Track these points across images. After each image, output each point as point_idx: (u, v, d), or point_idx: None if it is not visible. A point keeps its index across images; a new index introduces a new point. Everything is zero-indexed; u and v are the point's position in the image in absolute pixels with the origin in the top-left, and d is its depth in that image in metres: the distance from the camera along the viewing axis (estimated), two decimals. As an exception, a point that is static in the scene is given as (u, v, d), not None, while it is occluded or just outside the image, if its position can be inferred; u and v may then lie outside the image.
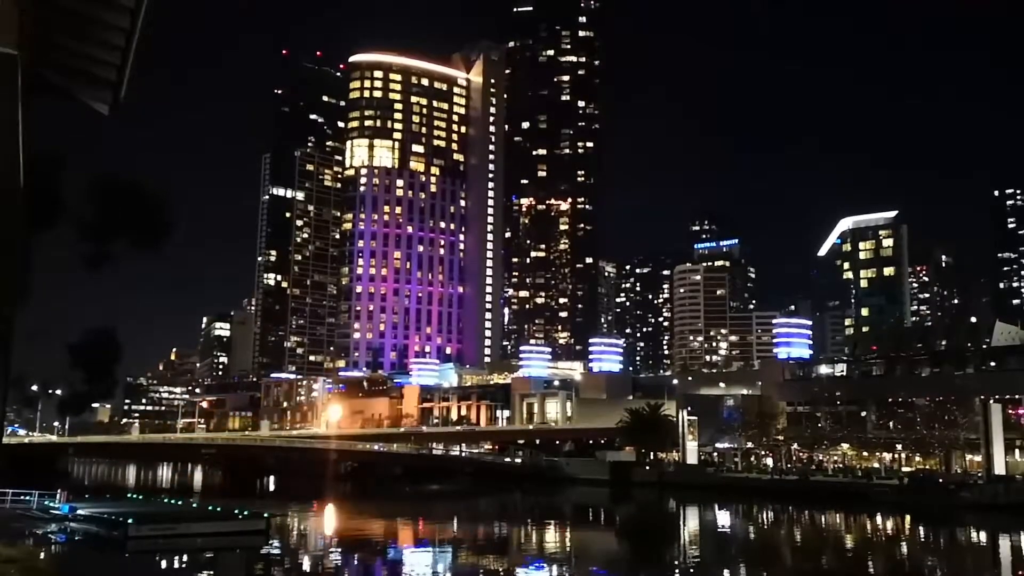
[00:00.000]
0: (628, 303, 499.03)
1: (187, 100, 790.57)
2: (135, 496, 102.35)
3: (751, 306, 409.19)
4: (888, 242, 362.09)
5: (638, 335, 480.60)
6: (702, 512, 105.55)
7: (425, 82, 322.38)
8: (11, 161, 11.76)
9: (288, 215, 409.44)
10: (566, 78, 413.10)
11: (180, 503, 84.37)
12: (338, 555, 69.03)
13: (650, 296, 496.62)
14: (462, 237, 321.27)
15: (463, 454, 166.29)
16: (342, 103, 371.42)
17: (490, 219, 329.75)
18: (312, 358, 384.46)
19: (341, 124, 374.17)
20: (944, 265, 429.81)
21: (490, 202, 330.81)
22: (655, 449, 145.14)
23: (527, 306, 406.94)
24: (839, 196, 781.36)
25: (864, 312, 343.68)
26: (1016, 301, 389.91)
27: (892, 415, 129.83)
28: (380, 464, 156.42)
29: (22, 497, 73.18)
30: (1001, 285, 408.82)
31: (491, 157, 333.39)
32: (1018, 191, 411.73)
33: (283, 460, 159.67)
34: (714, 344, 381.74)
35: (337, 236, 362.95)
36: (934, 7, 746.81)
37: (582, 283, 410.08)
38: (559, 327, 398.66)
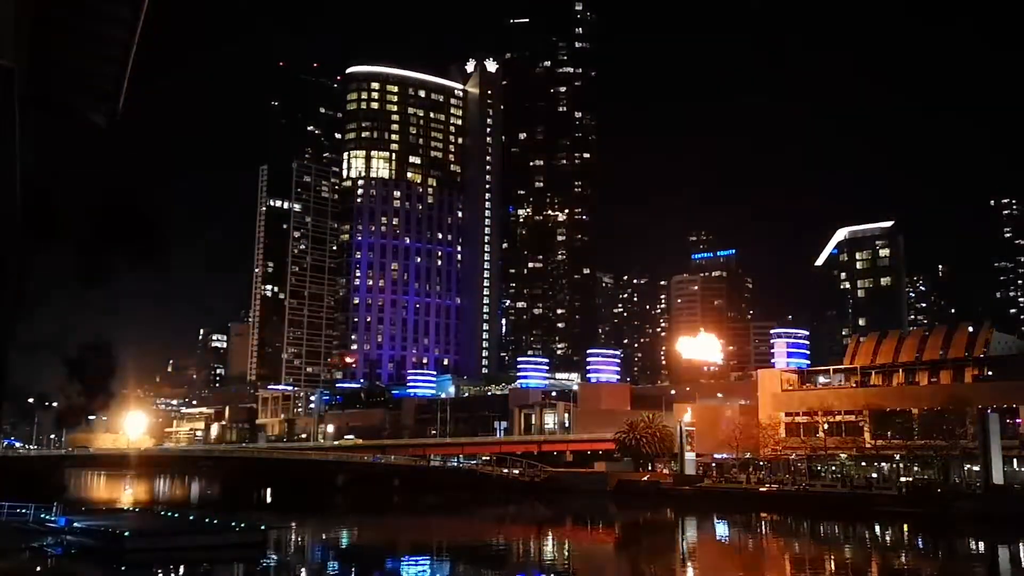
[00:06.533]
0: (626, 313, 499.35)
1: (184, 111, 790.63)
2: (132, 508, 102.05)
3: (749, 316, 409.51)
4: (885, 252, 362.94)
5: (636, 345, 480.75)
6: (701, 523, 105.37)
7: (422, 93, 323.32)
8: (8, 174, 11.75)
9: (285, 226, 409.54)
10: (563, 89, 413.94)
11: (177, 515, 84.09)
12: (336, 567, 68.84)
13: (648, 306, 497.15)
14: (459, 248, 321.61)
15: (461, 466, 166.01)
16: (339, 115, 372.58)
17: (487, 230, 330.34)
18: (309, 369, 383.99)
19: (338, 135, 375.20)
20: (941, 275, 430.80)
21: (487, 213, 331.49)
22: (653, 460, 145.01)
23: (524, 317, 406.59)
24: (836, 206, 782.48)
25: (862, 322, 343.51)
26: (1013, 310, 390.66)
27: (890, 425, 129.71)
28: (378, 476, 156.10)
29: (18, 510, 72.92)
30: (998, 294, 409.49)
31: (488, 168, 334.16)
32: (1014, 200, 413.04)
33: (281, 472, 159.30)
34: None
35: (335, 247, 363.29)
36: (931, 13, 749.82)
37: (579, 294, 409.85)
38: (557, 338, 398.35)
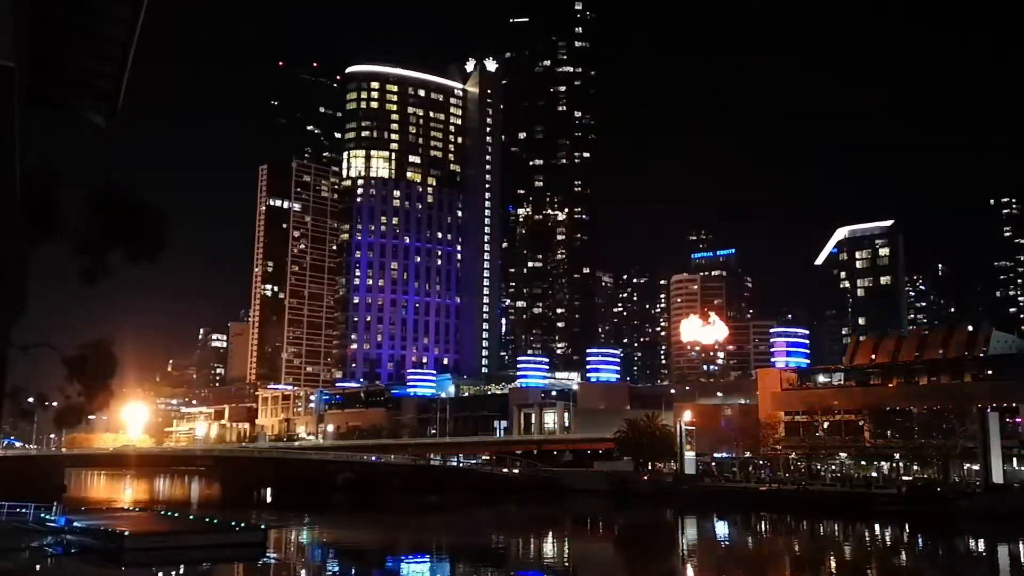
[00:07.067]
0: (625, 313, 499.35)
1: (183, 112, 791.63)
2: (132, 508, 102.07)
3: (748, 315, 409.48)
4: (884, 251, 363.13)
5: (635, 345, 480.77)
6: (701, 522, 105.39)
7: (421, 93, 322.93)
8: (8, 173, 11.74)
9: (285, 226, 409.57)
10: (563, 88, 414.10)
11: (177, 515, 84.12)
12: (336, 566, 68.85)
13: (647, 306, 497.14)
14: (459, 248, 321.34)
15: (461, 465, 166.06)
16: (339, 114, 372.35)
17: (487, 229, 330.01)
18: (309, 369, 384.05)
19: (338, 135, 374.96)
20: (941, 274, 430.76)
21: (487, 212, 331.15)
22: (653, 459, 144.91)
23: (524, 316, 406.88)
24: (836, 206, 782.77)
25: (861, 321, 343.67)
26: (1013, 309, 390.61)
27: (890, 424, 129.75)
28: (378, 475, 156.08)
29: (18, 510, 72.97)
30: (998, 293, 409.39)
31: (488, 167, 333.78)
32: (1014, 200, 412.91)
33: (280, 471, 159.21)
34: (711, 354, 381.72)
35: (334, 247, 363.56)
36: (931, 14, 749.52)
37: (579, 293, 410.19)
38: (556, 337, 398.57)
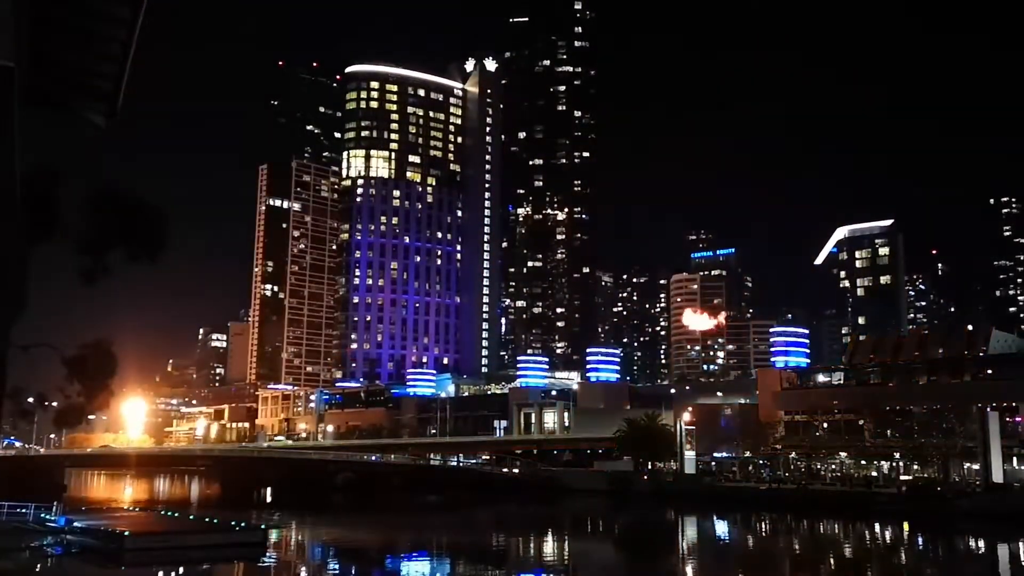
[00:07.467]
0: (625, 312, 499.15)
1: (183, 112, 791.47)
2: (132, 508, 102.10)
3: (748, 315, 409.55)
4: (884, 251, 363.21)
5: (635, 344, 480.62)
6: (700, 522, 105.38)
7: (421, 92, 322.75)
8: (7, 173, 11.74)
9: (285, 226, 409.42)
10: (562, 88, 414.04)
11: (177, 515, 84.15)
12: (336, 566, 68.86)
13: (647, 305, 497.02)
14: (459, 247, 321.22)
15: (461, 465, 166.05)
16: (339, 114, 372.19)
17: (487, 229, 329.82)
18: (309, 369, 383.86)
19: (338, 135, 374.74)
20: (941, 273, 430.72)
21: (487, 212, 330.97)
22: (653, 459, 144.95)
23: (524, 316, 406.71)
24: (836, 205, 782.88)
25: (861, 321, 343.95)
26: (1012, 309, 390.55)
27: (890, 424, 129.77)
28: (378, 475, 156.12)
29: (18, 510, 72.97)
30: (998, 293, 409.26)
31: (487, 167, 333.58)
32: (1013, 199, 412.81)
33: (280, 471, 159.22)
34: (711, 353, 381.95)
35: (334, 247, 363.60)
36: (931, 16, 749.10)
37: (579, 293, 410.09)
38: (556, 337, 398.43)
